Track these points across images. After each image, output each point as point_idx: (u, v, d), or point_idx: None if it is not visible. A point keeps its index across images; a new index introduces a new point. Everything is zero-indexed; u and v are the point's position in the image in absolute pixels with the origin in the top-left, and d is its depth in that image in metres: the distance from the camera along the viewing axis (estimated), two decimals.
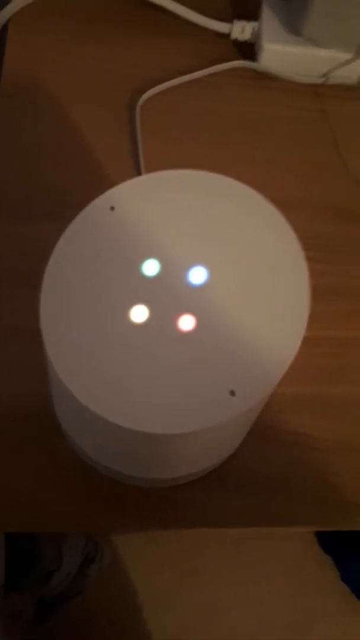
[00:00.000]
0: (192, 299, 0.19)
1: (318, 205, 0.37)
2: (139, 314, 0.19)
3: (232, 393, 0.18)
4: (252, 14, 0.40)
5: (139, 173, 0.36)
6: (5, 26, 0.40)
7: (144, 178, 0.21)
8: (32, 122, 0.37)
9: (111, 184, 0.21)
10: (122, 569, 0.77)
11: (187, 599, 0.77)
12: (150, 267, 0.20)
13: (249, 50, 0.40)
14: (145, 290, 0.19)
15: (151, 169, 0.36)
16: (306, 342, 0.33)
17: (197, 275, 0.19)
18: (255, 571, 0.79)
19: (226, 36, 0.41)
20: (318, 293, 0.34)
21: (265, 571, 0.80)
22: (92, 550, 0.70)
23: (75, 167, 0.36)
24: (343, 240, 0.36)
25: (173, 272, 0.19)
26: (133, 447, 0.22)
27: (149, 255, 0.20)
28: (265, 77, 0.40)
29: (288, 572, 0.80)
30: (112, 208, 0.20)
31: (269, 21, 0.39)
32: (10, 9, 0.39)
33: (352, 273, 0.35)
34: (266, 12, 0.39)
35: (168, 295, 0.19)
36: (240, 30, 0.40)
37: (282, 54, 0.39)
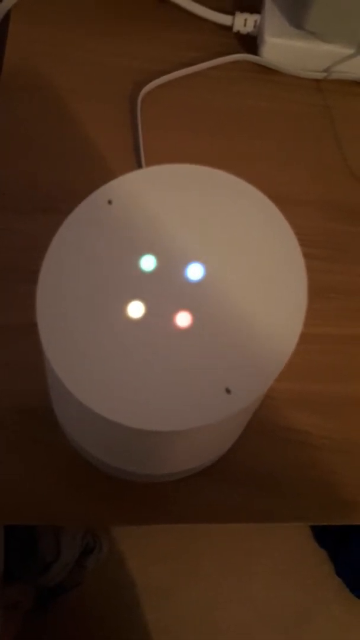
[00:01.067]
0: (189, 295, 0.19)
1: (320, 202, 0.37)
2: (136, 309, 0.19)
3: (228, 391, 0.18)
4: (254, 7, 0.40)
5: (139, 166, 0.36)
6: (7, 17, 0.40)
7: (142, 172, 0.21)
8: (31, 114, 0.37)
9: (111, 177, 0.21)
10: (120, 561, 0.78)
11: (184, 592, 0.78)
12: (148, 263, 0.19)
13: (251, 43, 0.40)
14: (142, 286, 0.19)
15: (152, 162, 0.36)
16: (308, 339, 0.33)
17: (195, 271, 0.19)
18: (251, 565, 0.80)
19: (228, 29, 0.40)
20: (320, 291, 0.34)
21: (261, 565, 0.80)
22: (91, 541, 0.71)
23: (75, 160, 0.36)
24: (346, 238, 0.36)
25: (170, 268, 0.19)
26: (128, 443, 0.22)
27: (146, 251, 0.19)
28: (268, 71, 0.40)
29: (284, 566, 0.80)
30: (110, 202, 0.20)
31: (272, 14, 0.39)
32: (11, 0, 0.39)
33: (355, 271, 0.35)
34: (269, 5, 0.39)
35: (165, 291, 0.19)
36: (243, 23, 0.40)
37: (284, 47, 0.39)
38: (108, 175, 0.36)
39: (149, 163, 0.36)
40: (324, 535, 0.80)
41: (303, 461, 0.30)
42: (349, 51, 0.39)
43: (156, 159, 0.36)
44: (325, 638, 0.78)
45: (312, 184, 0.37)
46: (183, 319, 0.19)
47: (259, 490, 0.29)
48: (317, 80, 0.40)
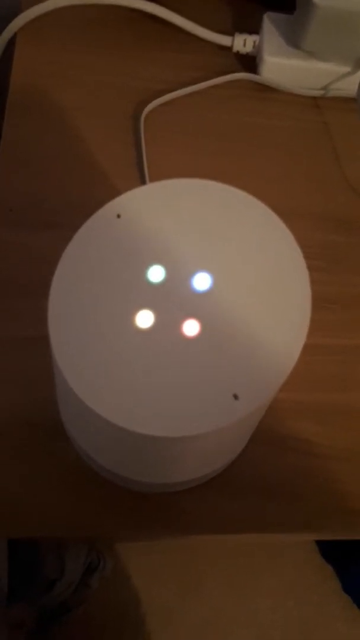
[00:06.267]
0: (196, 305, 0.20)
1: (319, 214, 0.38)
2: (145, 319, 0.20)
3: (236, 397, 0.19)
4: (253, 28, 0.41)
5: (143, 182, 0.37)
6: (13, 39, 0.41)
7: (150, 187, 0.21)
8: (38, 132, 0.38)
9: (116, 193, 0.22)
10: (123, 581, 0.77)
11: (189, 610, 0.77)
12: (156, 273, 0.20)
13: (250, 62, 0.41)
14: (151, 296, 0.20)
15: (155, 178, 0.37)
16: (308, 349, 0.33)
17: (202, 281, 0.20)
18: (256, 581, 0.79)
19: (228, 49, 0.42)
20: (319, 302, 0.34)
21: (266, 582, 0.79)
22: (95, 560, 0.70)
23: (80, 177, 0.37)
24: (344, 249, 0.37)
25: (178, 278, 0.20)
26: (137, 452, 0.22)
27: (154, 262, 0.20)
28: (267, 89, 0.41)
29: (289, 582, 0.80)
30: (119, 216, 0.21)
31: (270, 35, 0.40)
32: (17, 23, 0.40)
33: (353, 282, 0.36)
34: (267, 26, 0.40)
35: (173, 301, 0.20)
36: (242, 43, 0.41)
37: (282, 66, 0.40)
38: (112, 191, 0.37)
39: (153, 178, 0.37)
40: (330, 551, 0.80)
41: (307, 470, 0.30)
42: (345, 69, 0.40)
43: (159, 174, 0.37)
44: None
45: (309, 197, 0.38)
46: (191, 328, 0.19)
47: (264, 499, 0.30)
48: (314, 98, 0.41)
